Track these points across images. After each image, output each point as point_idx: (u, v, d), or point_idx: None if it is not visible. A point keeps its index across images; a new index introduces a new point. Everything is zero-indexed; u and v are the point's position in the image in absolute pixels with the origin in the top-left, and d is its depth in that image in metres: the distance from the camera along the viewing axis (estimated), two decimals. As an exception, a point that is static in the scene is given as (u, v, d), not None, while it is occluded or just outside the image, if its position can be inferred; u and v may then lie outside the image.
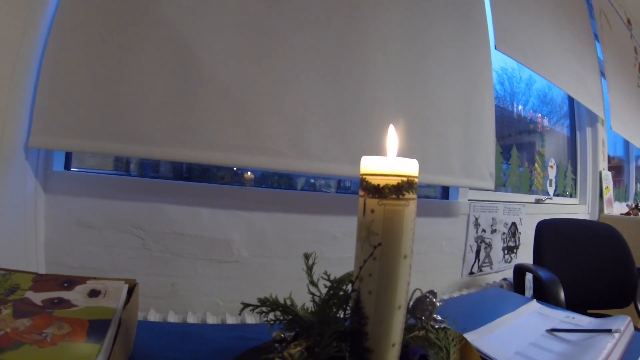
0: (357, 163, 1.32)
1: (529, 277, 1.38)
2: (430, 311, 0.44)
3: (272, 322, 0.47)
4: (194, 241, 1.20)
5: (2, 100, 0.93)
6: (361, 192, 0.40)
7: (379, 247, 0.38)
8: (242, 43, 1.14)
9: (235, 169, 1.41)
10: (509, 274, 1.57)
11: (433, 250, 1.55)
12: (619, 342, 0.64)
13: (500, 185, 2.00)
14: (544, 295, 1.16)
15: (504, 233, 1.76)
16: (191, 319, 1.11)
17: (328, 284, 0.45)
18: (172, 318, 1.10)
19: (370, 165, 0.40)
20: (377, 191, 0.38)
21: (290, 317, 0.47)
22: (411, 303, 0.47)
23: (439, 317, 0.48)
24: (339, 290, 0.44)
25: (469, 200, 1.68)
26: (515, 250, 1.84)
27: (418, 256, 1.50)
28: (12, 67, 0.95)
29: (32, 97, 1.02)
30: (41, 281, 0.55)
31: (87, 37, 1.04)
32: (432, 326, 0.46)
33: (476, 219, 1.67)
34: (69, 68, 1.03)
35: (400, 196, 0.38)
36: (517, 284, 1.40)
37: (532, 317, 0.80)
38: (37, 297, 0.50)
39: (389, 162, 0.39)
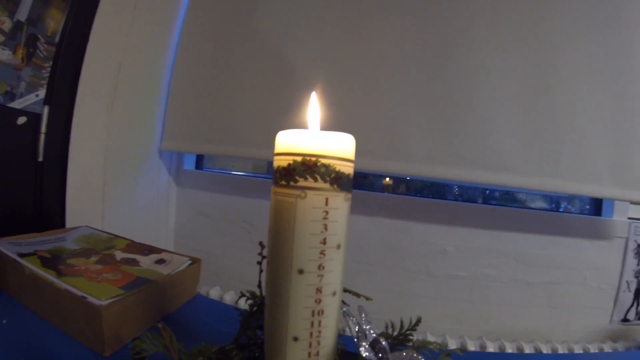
0: (462, 165, 1.10)
1: None
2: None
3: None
4: (296, 239, 1.22)
5: (139, 113, 1.20)
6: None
7: (265, 250, 0.28)
8: (334, 45, 1.11)
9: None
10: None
11: (572, 281, 1.15)
12: None
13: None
14: None
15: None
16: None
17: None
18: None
19: (276, 143, 0.30)
20: (273, 175, 0.29)
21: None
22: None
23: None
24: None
25: (628, 219, 1.18)
26: None
27: (550, 286, 1.14)
28: (146, 87, 1.21)
29: (164, 109, 1.28)
30: (131, 246, 0.73)
31: (203, 59, 1.23)
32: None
33: (638, 245, 1.16)
34: (191, 85, 1.24)
35: (292, 183, 0.27)
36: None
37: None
38: (120, 255, 0.67)
39: (282, 136, 0.28)
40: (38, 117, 0.80)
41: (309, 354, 0.28)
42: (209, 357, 0.34)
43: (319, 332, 0.28)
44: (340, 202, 0.28)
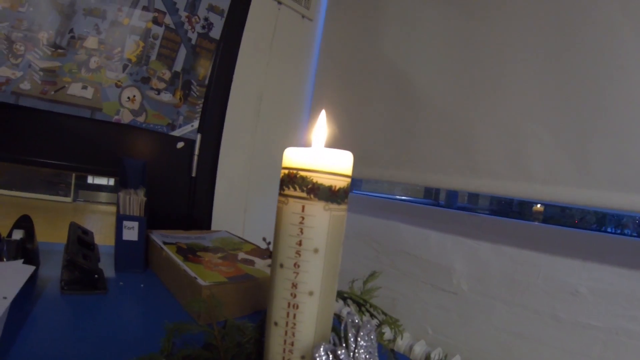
0: (594, 186, 0.97)
1: None
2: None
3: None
4: (419, 262, 1.21)
5: (280, 137, 1.39)
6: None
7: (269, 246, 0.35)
8: (453, 58, 1.09)
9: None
10: None
11: None
12: None
13: None
14: None
15: None
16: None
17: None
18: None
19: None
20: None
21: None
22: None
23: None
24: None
25: None
26: None
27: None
28: (286, 114, 1.42)
29: (304, 134, 1.46)
30: (255, 250, 0.87)
31: (338, 86, 1.37)
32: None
33: None
34: (329, 111, 1.37)
35: (281, 191, 0.33)
36: None
37: None
38: (241, 256, 0.81)
39: (285, 152, 0.35)
40: (193, 142, 1.06)
41: (285, 341, 0.33)
42: (241, 329, 0.42)
43: (294, 324, 0.32)
44: (317, 210, 0.32)
